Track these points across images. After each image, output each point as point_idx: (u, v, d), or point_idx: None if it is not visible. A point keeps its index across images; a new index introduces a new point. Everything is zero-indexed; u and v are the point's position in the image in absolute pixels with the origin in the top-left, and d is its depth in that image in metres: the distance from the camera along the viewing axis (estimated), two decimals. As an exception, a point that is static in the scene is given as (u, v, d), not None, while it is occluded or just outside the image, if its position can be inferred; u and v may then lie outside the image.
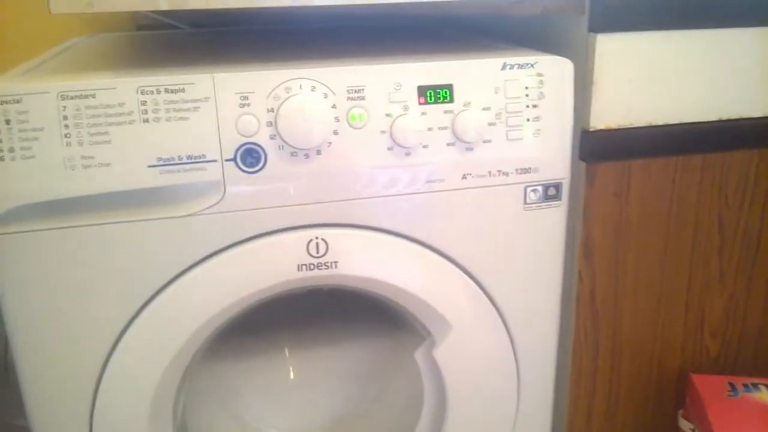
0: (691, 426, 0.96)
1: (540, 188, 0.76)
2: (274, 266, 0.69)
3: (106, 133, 0.62)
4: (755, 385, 0.95)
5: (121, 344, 0.68)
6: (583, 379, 0.96)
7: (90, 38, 1.04)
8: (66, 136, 0.61)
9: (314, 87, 0.67)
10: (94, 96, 0.61)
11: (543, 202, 0.76)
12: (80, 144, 0.62)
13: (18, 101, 0.60)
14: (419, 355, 0.80)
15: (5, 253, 0.64)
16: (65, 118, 0.61)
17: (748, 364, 1.02)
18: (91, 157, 0.62)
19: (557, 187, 0.77)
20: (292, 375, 0.93)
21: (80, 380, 0.69)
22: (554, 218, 0.78)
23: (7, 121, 0.60)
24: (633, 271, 0.93)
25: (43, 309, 0.67)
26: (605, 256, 0.91)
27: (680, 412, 0.99)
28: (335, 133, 0.68)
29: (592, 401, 0.98)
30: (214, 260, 0.68)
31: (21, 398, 0.72)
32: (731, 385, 0.96)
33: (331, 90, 0.67)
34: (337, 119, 0.68)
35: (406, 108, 0.70)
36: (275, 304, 0.86)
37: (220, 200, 0.66)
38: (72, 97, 0.61)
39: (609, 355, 0.96)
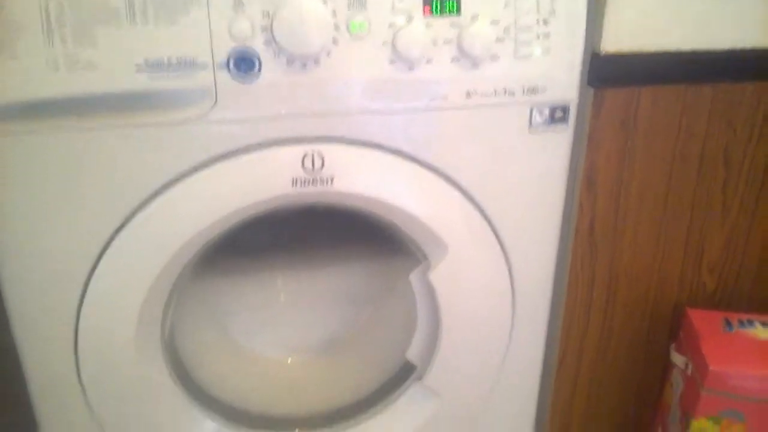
0: (684, 359, 0.96)
1: (546, 110, 0.73)
2: (267, 180, 0.67)
3: (92, 33, 0.59)
4: (750, 322, 0.95)
5: (107, 255, 0.67)
6: (578, 311, 0.95)
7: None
8: (49, 34, 0.58)
9: (313, -9, 0.63)
10: (78, -9, 0.58)
11: (549, 124, 0.74)
12: (64, 44, 0.58)
13: (-3, -6, 0.56)
14: (414, 278, 0.79)
15: (-13, 156, 0.62)
16: (48, 14, 0.57)
17: (744, 300, 1.02)
18: (76, 58, 0.59)
19: (564, 109, 0.74)
20: (284, 295, 0.92)
21: (65, 292, 0.68)
22: (559, 142, 0.75)
23: (-14, 16, 0.57)
24: (635, 203, 0.91)
25: (27, 215, 0.65)
26: (607, 187, 0.89)
27: (673, 345, 0.99)
28: (334, 42, 0.65)
29: (585, 332, 0.98)
30: (205, 172, 0.65)
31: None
32: (726, 320, 0.96)
33: (330, -5, 0.64)
34: (336, 27, 0.64)
35: (410, 19, 0.66)
36: (269, 224, 0.85)
37: (212, 108, 0.63)
38: (55, -8, 0.57)
39: (605, 287, 0.95)
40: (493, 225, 0.76)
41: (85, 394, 0.73)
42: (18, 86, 0.59)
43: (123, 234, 0.66)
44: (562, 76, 0.72)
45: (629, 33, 0.80)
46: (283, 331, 0.92)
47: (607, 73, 0.82)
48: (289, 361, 0.91)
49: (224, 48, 0.62)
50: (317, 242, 0.91)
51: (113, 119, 0.62)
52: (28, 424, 0.78)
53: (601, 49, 0.79)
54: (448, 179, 0.73)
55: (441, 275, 0.75)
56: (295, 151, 0.67)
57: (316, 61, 0.65)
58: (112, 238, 0.66)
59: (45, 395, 0.74)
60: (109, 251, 0.66)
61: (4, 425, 1.08)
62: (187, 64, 0.61)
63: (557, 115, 0.74)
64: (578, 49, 0.73)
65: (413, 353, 0.83)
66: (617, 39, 0.80)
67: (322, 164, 0.68)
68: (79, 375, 0.72)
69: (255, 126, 0.65)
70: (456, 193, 0.73)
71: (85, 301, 0.68)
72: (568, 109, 0.74)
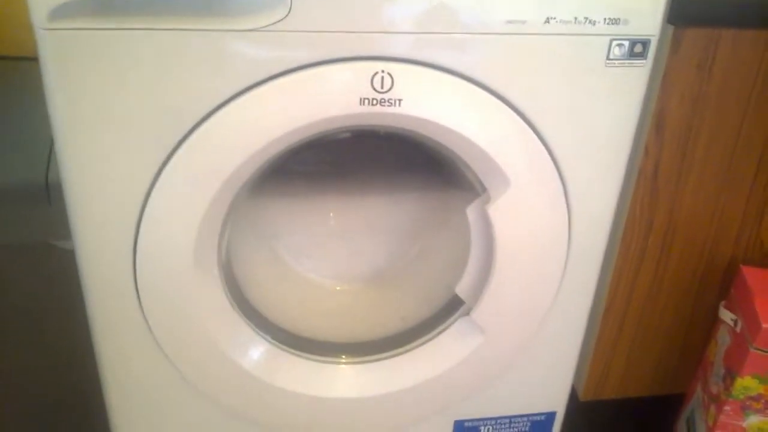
0: (733, 317, 0.94)
1: (626, 43, 0.70)
2: (335, 96, 0.65)
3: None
4: (808, 282, 0.93)
5: (171, 164, 0.66)
6: (631, 255, 0.94)
7: None
8: (125, -77, 0.56)
9: None
10: None
11: (627, 59, 0.70)
12: (141, -63, 0.56)
13: None
14: (471, 210, 0.77)
15: (55, 52, 0.60)
16: None
17: (801, 262, 0.99)
18: (152, -47, 0.57)
19: (645, 44, 0.70)
20: (336, 222, 0.92)
21: (127, 198, 0.68)
22: (636, 79, 0.72)
23: None
24: (702, 151, 0.88)
25: (93, 119, 0.64)
26: (676, 132, 0.86)
27: (723, 302, 0.97)
28: (412, -45, 0.62)
29: (636, 278, 0.96)
30: (273, 84, 0.64)
31: (61, 219, 0.71)
32: (782, 279, 0.93)
33: None
34: (415, -62, 0.61)
35: (494, -65, 0.63)
36: (325, 147, 0.83)
37: (286, 16, 0.61)
38: None
39: (661, 234, 0.93)
40: (556, 161, 0.74)
41: (142, 308, 0.73)
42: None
43: (188, 143, 0.65)
44: (646, 9, 0.69)
45: (717, -31, 0.76)
46: (334, 258, 0.92)
47: (689, 11, 0.78)
48: (338, 289, 0.91)
49: (303, -47, 0.59)
50: (372, 169, 0.89)
51: (184, 22, 0.60)
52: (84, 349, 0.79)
53: (686, -16, 0.75)
54: (517, 110, 0.70)
55: (500, 209, 0.74)
56: (365, 69, 0.65)
57: (394, -25, 0.62)
58: (175, 149, 0.65)
59: (102, 309, 0.74)
60: (171, 162, 0.65)
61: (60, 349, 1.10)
62: (264, -32, 0.59)
63: (636, 49, 0.70)
64: (665, -20, 0.69)
65: (462, 288, 0.82)
66: (704, -25, 0.76)
67: (392, 84, 0.66)
68: (137, 289, 0.72)
69: (327, 38, 0.63)
70: (523, 126, 0.71)
71: (146, 212, 0.67)
72: (649, 44, 0.70)
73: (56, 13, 0.58)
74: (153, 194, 0.68)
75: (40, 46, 0.61)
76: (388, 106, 0.67)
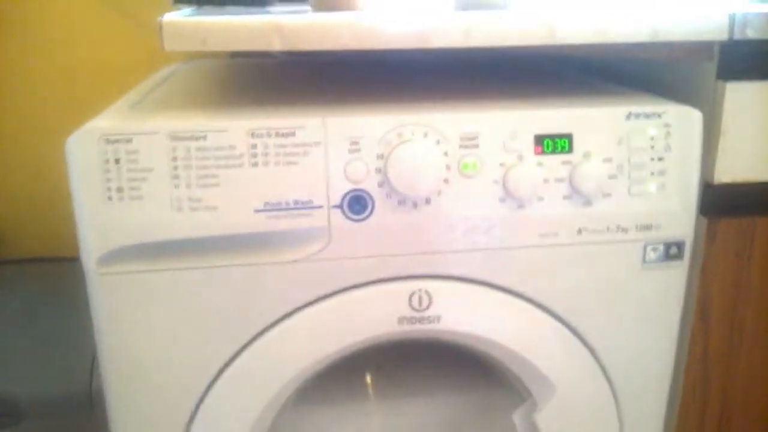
0: (807, 506, 0.87)
1: (661, 247, 0.70)
2: (374, 318, 0.66)
3: (215, 176, 0.60)
4: None
5: (215, 389, 0.66)
6: (689, 448, 0.89)
7: (186, 65, 1.04)
8: (175, 177, 0.60)
9: (426, 133, 0.64)
10: (204, 138, 0.60)
11: (663, 261, 0.71)
12: (188, 186, 0.60)
13: (129, 141, 0.59)
14: (518, 417, 0.75)
15: (106, 293, 0.63)
16: (175, 159, 0.60)
17: None
18: (199, 200, 0.61)
19: (680, 246, 0.71)
20: (379, 424, 0.90)
21: (171, 425, 0.68)
22: (674, 279, 0.72)
23: (117, 161, 0.59)
24: (750, 335, 0.85)
25: (139, 349, 0.65)
26: (721, 318, 0.84)
27: (793, 488, 0.91)
28: (445, 181, 0.65)
29: (696, 471, 0.91)
30: (314, 308, 0.65)
31: (105, 429, 0.71)
32: None
33: (444, 137, 0.64)
34: (448, 167, 0.64)
35: (521, 157, 0.65)
36: (365, 354, 0.83)
37: (325, 247, 0.64)
38: (183, 138, 0.59)
39: (717, 418, 0.89)
40: (602, 364, 0.73)
41: None
42: (141, 227, 0.61)
43: (232, 368, 0.66)
44: (677, 213, 0.70)
45: (744, 163, 0.77)
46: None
47: (721, 204, 0.79)
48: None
49: (340, 190, 0.63)
50: (414, 369, 0.89)
51: (230, 259, 0.63)
52: None
53: (715, 179, 0.76)
54: (557, 317, 0.70)
55: (547, 417, 0.72)
56: (403, 289, 0.66)
57: (427, 201, 0.65)
58: (221, 372, 0.66)
59: None
60: (216, 385, 0.66)
61: None
62: (304, 206, 0.62)
63: (672, 251, 0.71)
64: (693, 185, 0.70)
65: (514, 493, 0.79)
66: (731, 169, 0.77)
67: (429, 303, 0.67)
68: None
69: (364, 264, 0.65)
70: (565, 332, 0.70)
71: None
72: (683, 246, 0.71)
73: (105, 259, 0.62)
74: (196, 416, 0.68)
75: (89, 285, 0.64)
76: (428, 323, 0.67)
